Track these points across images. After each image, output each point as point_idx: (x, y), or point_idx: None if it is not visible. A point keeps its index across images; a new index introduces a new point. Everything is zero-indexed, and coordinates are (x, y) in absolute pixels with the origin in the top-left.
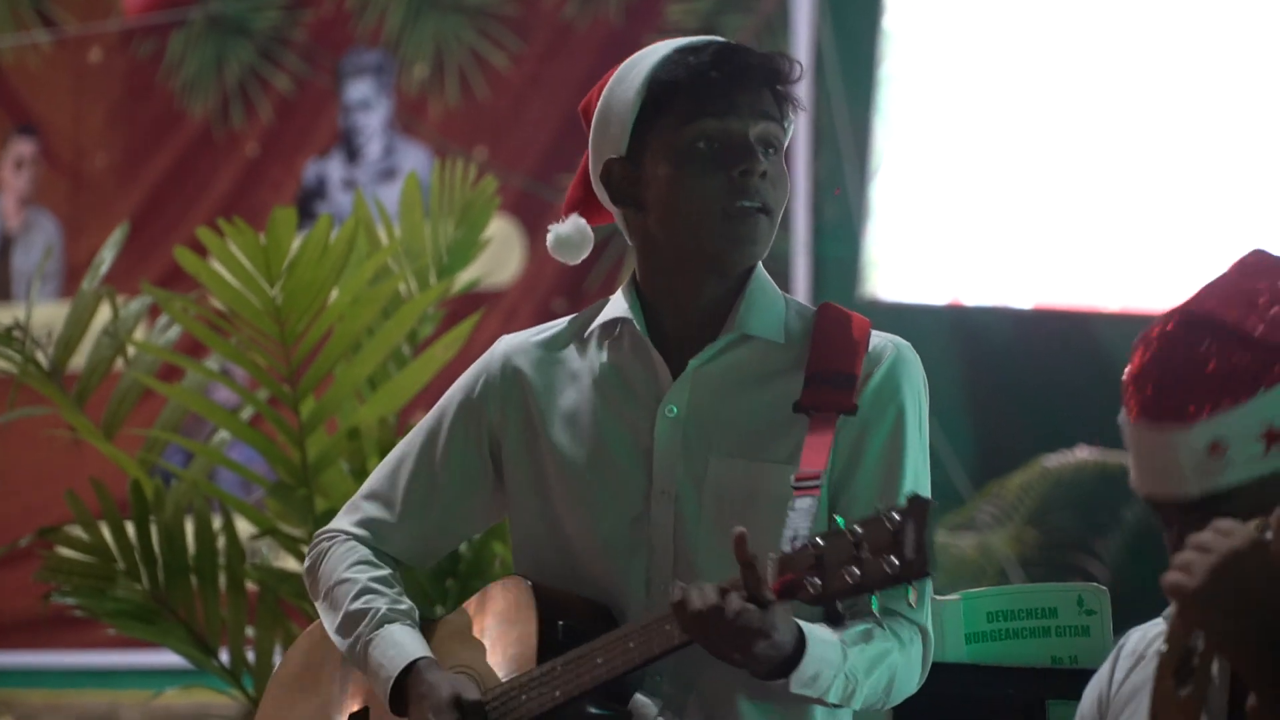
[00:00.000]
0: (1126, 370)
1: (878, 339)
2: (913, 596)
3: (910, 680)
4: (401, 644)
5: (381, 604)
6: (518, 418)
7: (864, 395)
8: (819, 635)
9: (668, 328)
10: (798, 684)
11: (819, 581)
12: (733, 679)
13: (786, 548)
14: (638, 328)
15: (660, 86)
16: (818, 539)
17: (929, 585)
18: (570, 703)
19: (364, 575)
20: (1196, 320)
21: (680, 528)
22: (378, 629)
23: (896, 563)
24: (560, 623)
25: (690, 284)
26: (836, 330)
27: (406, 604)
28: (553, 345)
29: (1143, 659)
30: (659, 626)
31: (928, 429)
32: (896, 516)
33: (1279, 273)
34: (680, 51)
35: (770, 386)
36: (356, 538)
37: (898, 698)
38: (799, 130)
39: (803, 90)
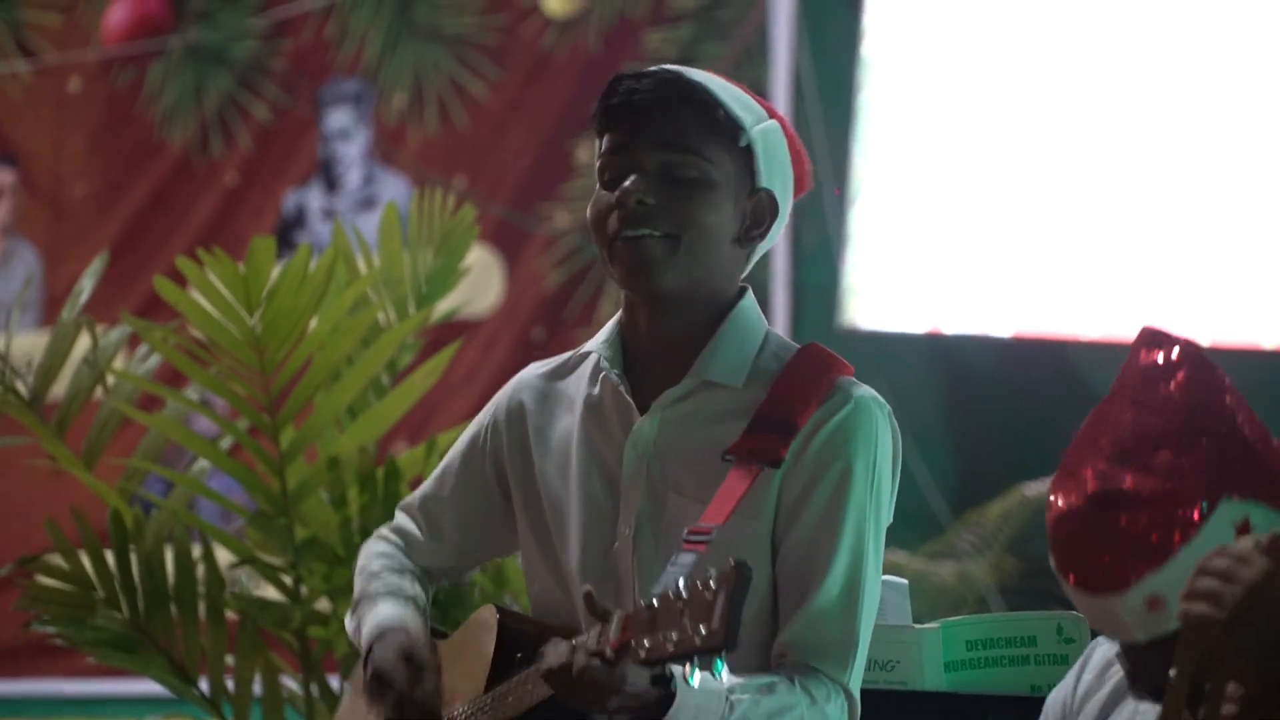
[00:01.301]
0: (1049, 534)
1: (840, 391)
2: (724, 672)
3: None
4: (377, 617)
5: (376, 586)
6: (518, 450)
7: (810, 448)
8: (694, 687)
9: (639, 359)
10: None
11: (648, 644)
12: None
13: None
14: (605, 363)
15: (595, 119)
16: (653, 600)
17: (858, 655)
18: None
19: (379, 564)
20: (1101, 497)
21: (639, 562)
22: (369, 609)
23: (704, 632)
24: (518, 655)
25: (643, 317)
26: (801, 377)
27: (408, 584)
28: (556, 375)
29: (1109, 669)
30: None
31: (881, 489)
32: (713, 585)
33: (1184, 374)
34: (616, 80)
35: (719, 428)
36: (390, 540)
37: None
38: None
39: (781, 107)
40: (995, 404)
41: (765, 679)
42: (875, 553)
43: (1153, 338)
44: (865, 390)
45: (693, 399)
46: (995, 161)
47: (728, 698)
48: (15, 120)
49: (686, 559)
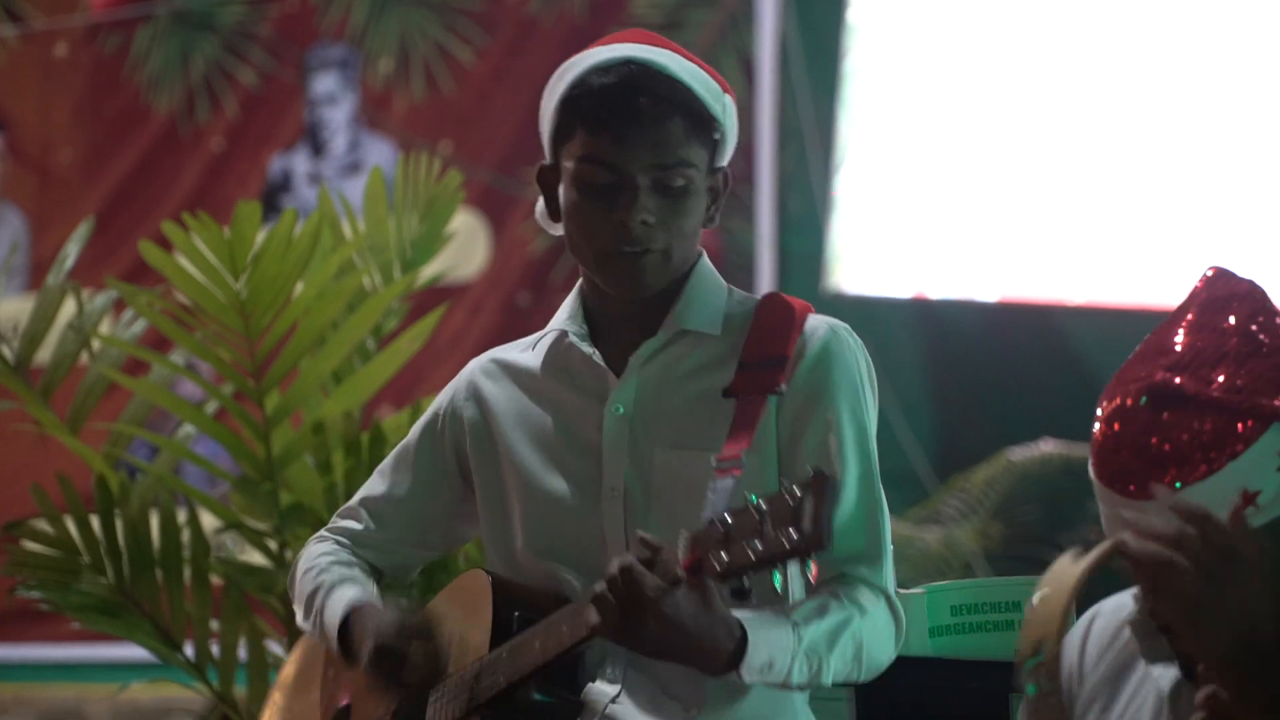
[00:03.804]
0: (1094, 433)
1: (813, 320)
2: (813, 571)
3: (882, 646)
4: (344, 598)
5: (330, 576)
6: (480, 428)
7: (798, 373)
8: (762, 620)
9: (607, 326)
10: (751, 674)
11: (725, 556)
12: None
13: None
14: (574, 338)
15: (568, 109)
16: (725, 515)
17: (888, 557)
18: (513, 688)
19: (325, 560)
20: (1157, 393)
21: (630, 522)
22: (328, 596)
23: (795, 536)
24: (516, 614)
25: (614, 297)
26: (773, 316)
27: (361, 575)
28: (515, 356)
29: (1113, 645)
30: (586, 610)
31: (870, 406)
32: (797, 492)
33: (1245, 307)
34: (592, 73)
35: (706, 376)
36: (334, 539)
37: (872, 666)
38: (764, 124)
39: (767, 92)
40: (980, 369)
41: (816, 601)
42: (876, 460)
43: (1218, 274)
44: (837, 321)
45: (668, 351)
46: (980, 127)
47: (794, 628)
48: (1, 86)
49: (724, 484)
